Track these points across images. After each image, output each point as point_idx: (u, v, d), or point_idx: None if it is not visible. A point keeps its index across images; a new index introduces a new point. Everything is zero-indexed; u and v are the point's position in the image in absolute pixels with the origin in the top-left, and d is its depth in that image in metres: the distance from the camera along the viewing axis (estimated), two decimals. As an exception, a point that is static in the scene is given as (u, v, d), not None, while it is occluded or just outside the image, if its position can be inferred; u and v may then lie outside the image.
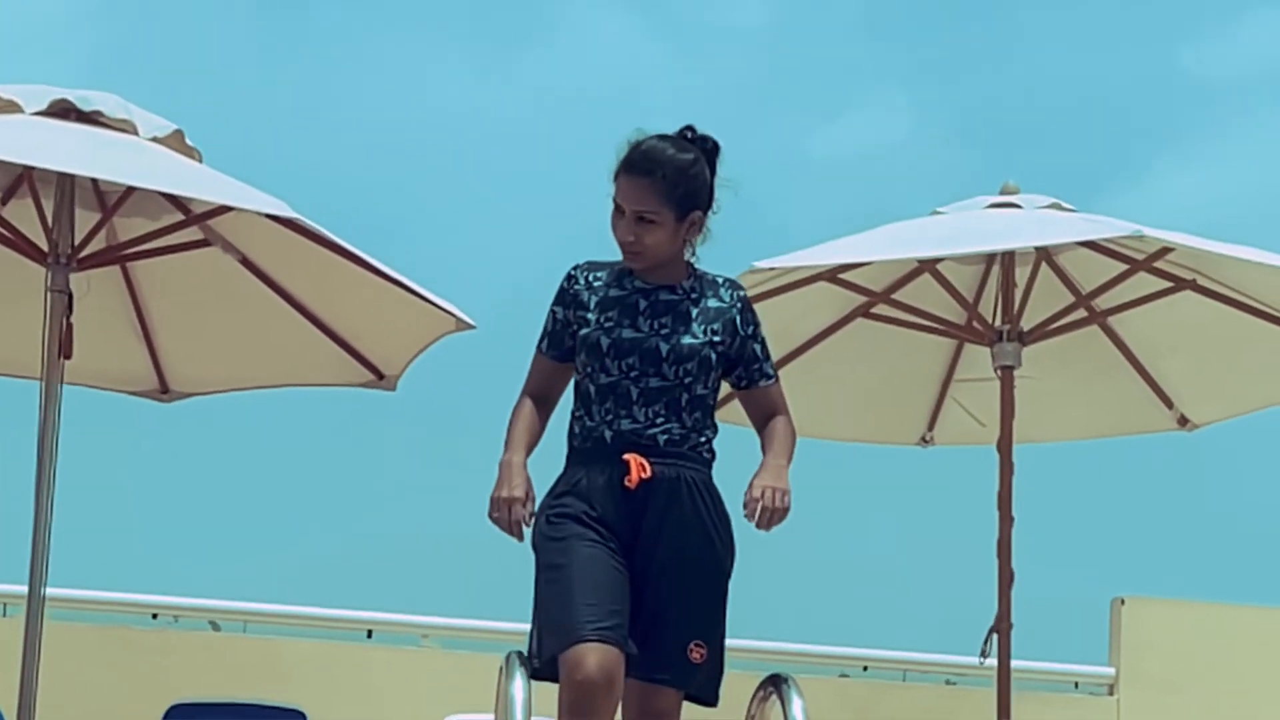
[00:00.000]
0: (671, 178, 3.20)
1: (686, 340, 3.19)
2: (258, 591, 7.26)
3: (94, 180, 5.02)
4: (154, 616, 7.01)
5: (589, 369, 3.22)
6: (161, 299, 5.61)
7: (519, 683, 3.04)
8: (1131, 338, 5.91)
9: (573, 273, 3.33)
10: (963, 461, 6.37)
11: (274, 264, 5.36)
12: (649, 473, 3.10)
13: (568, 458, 3.25)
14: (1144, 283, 5.53)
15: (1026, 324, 5.54)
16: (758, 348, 3.29)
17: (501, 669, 3.09)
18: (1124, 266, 5.50)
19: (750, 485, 3.15)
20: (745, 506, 3.13)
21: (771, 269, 5.03)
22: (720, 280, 3.33)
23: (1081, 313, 5.64)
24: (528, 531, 3.16)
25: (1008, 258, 5.55)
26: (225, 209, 4.84)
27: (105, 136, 4.81)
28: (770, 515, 3.09)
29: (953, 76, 13.19)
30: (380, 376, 5.60)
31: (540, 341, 3.34)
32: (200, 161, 4.99)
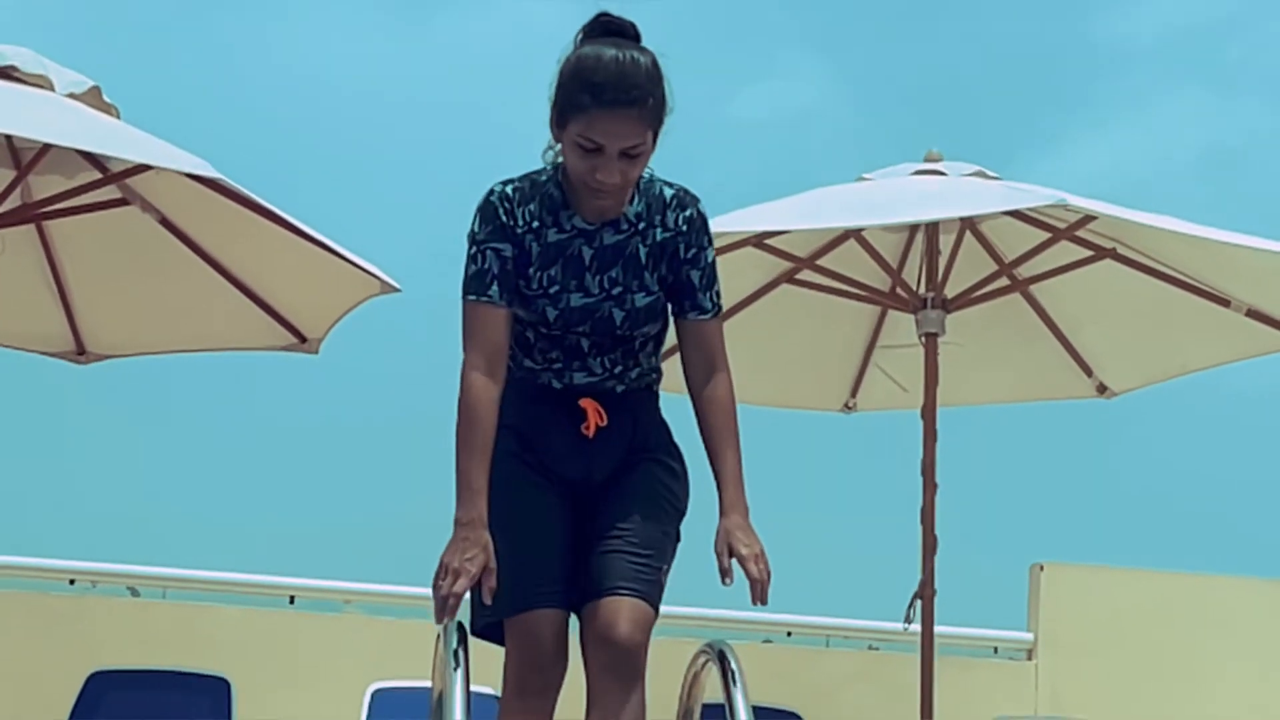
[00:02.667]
0: (655, 97, 2.73)
1: (642, 301, 2.84)
2: (177, 556, 7.19)
3: (8, 136, 4.92)
4: (71, 582, 6.90)
5: (528, 320, 2.85)
6: (78, 259, 5.52)
7: (459, 651, 2.96)
8: (1053, 306, 5.96)
9: (505, 205, 2.81)
10: (886, 427, 6.41)
11: (194, 224, 5.29)
12: (605, 421, 2.84)
13: (505, 382, 2.87)
14: (1066, 251, 5.58)
15: (950, 291, 5.58)
16: (696, 275, 2.88)
17: (439, 636, 3.03)
18: (1046, 235, 5.54)
19: (732, 549, 2.76)
20: (726, 577, 2.76)
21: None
22: (669, 197, 2.87)
23: (1004, 281, 5.68)
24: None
25: (932, 226, 5.58)
26: (144, 167, 4.76)
27: (20, 91, 4.71)
28: (766, 587, 2.76)
29: (870, 41, 13.26)
30: (302, 340, 5.54)
31: (485, 290, 2.78)
32: (118, 118, 4.90)
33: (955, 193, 5.23)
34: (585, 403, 2.84)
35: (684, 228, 2.87)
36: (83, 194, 5.03)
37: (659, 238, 2.86)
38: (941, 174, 5.40)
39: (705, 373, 2.92)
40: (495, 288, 2.79)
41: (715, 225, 5.08)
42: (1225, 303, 5.59)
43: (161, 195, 5.16)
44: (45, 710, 5.99)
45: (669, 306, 2.93)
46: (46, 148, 4.85)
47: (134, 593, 7.04)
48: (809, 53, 13.34)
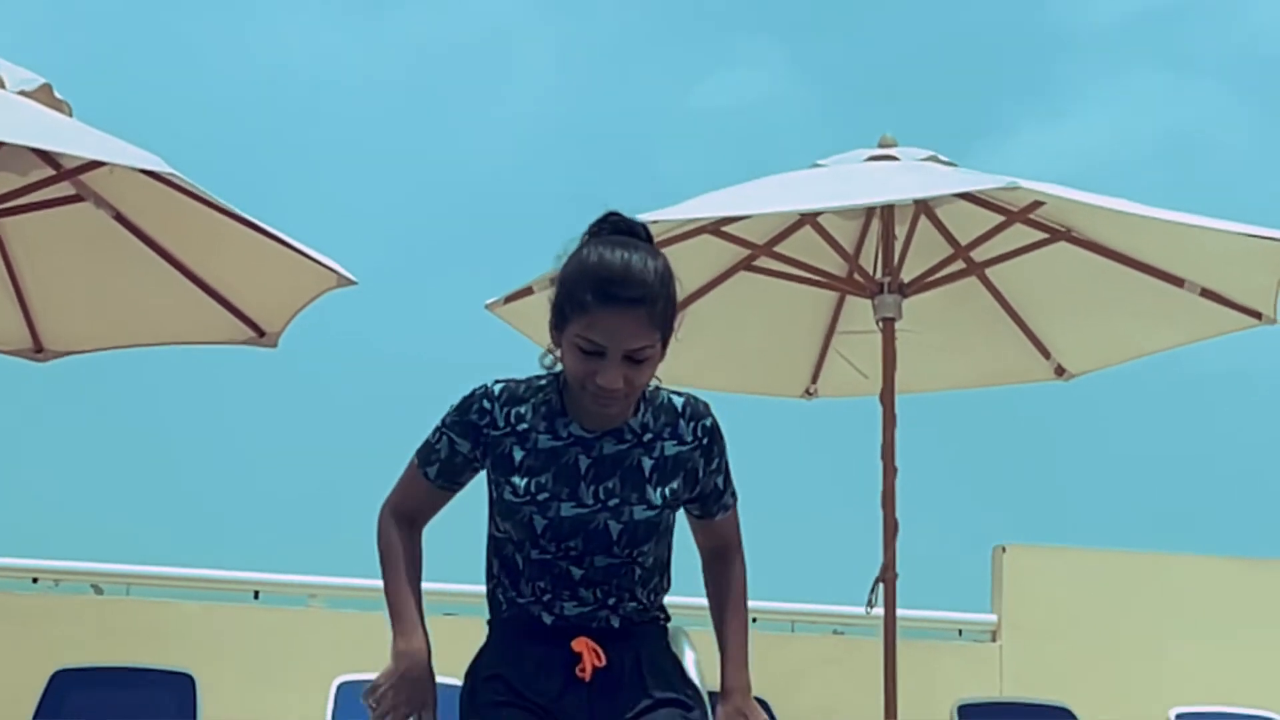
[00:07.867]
0: (664, 298, 2.55)
1: (641, 515, 2.60)
2: (141, 553, 7.18)
3: (-41, 135, 4.89)
4: (34, 581, 6.89)
5: (515, 538, 2.63)
6: (34, 256, 5.50)
7: None
8: (1009, 289, 6.00)
9: (486, 405, 2.63)
10: (846, 413, 6.44)
11: (149, 220, 5.27)
12: (604, 661, 2.61)
13: (492, 625, 2.72)
14: (1020, 234, 5.62)
15: (906, 276, 5.61)
16: (720, 480, 2.71)
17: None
18: (1000, 218, 5.58)
19: None
20: None
21: (655, 221, 5.02)
22: (680, 405, 2.67)
23: (960, 264, 5.72)
24: None
25: (888, 211, 5.60)
26: (97, 164, 4.74)
27: (-30, 90, 4.68)
28: None
29: (826, 30, 13.29)
30: (261, 334, 5.54)
31: (427, 465, 2.67)
32: (70, 115, 4.88)
33: (908, 176, 5.26)
34: (579, 644, 2.61)
35: (705, 440, 2.68)
36: (36, 191, 5.01)
37: (670, 451, 2.65)
38: (895, 159, 5.43)
39: (720, 556, 2.82)
40: (435, 469, 2.68)
41: (671, 214, 5.12)
42: (1179, 282, 5.63)
43: (115, 191, 5.13)
44: (9, 709, 5.97)
45: (688, 509, 2.75)
46: (-2, 145, 4.82)
47: (97, 590, 7.03)
48: (766, 41, 13.38)
